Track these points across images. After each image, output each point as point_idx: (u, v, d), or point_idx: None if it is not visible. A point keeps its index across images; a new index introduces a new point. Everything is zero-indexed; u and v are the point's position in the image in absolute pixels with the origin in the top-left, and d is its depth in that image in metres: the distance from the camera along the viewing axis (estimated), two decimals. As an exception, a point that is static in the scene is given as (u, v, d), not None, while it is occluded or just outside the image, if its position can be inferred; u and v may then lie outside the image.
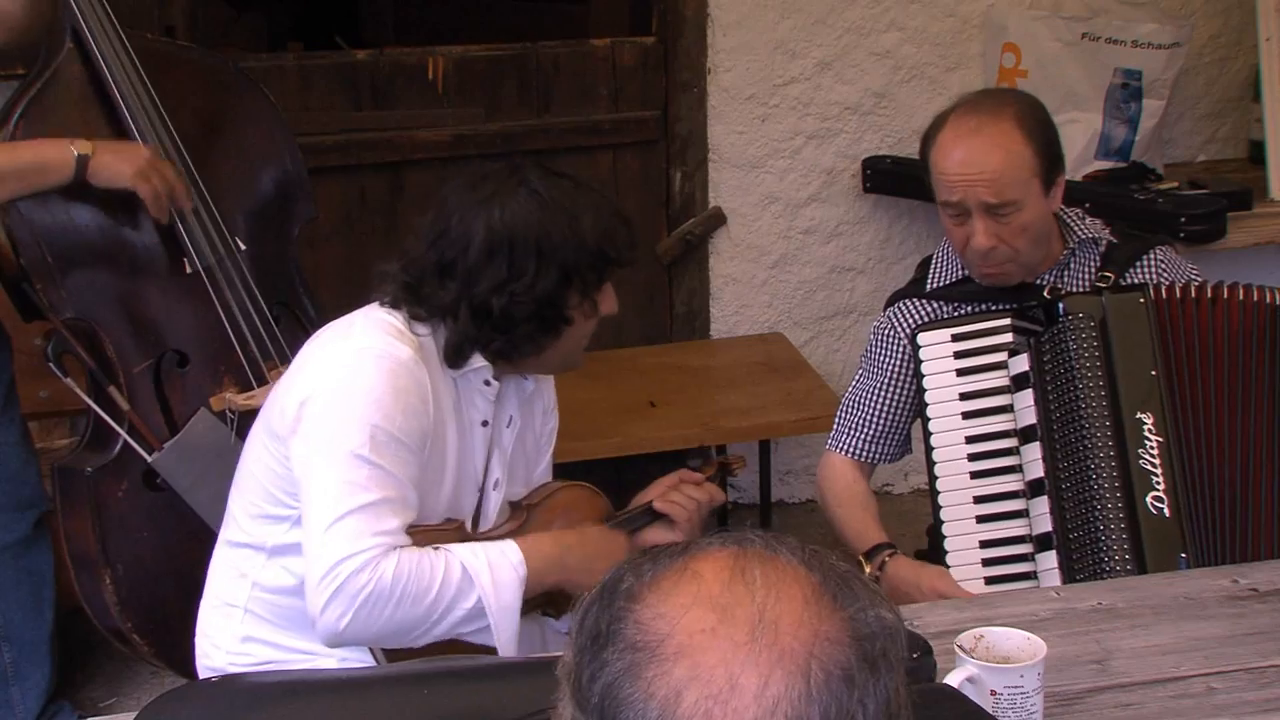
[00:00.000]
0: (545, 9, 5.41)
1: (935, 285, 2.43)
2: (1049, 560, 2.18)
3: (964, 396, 2.29)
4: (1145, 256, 2.39)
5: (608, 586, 0.99)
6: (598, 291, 2.07)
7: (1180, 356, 2.19)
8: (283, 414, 2.02)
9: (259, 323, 2.79)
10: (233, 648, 2.14)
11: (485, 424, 2.12)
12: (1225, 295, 2.22)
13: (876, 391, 2.45)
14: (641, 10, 3.96)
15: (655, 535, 2.25)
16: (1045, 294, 2.31)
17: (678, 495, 2.25)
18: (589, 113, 3.76)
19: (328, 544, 1.90)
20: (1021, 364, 2.24)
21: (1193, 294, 2.22)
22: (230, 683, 1.65)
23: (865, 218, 3.93)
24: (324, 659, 2.05)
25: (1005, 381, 2.26)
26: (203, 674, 2.18)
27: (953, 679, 1.61)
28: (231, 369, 2.79)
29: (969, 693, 1.59)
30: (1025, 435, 2.23)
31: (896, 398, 2.44)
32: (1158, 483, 2.14)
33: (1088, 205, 3.19)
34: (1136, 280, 2.35)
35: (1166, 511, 2.14)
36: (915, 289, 2.47)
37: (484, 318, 2.00)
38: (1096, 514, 2.15)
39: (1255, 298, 2.22)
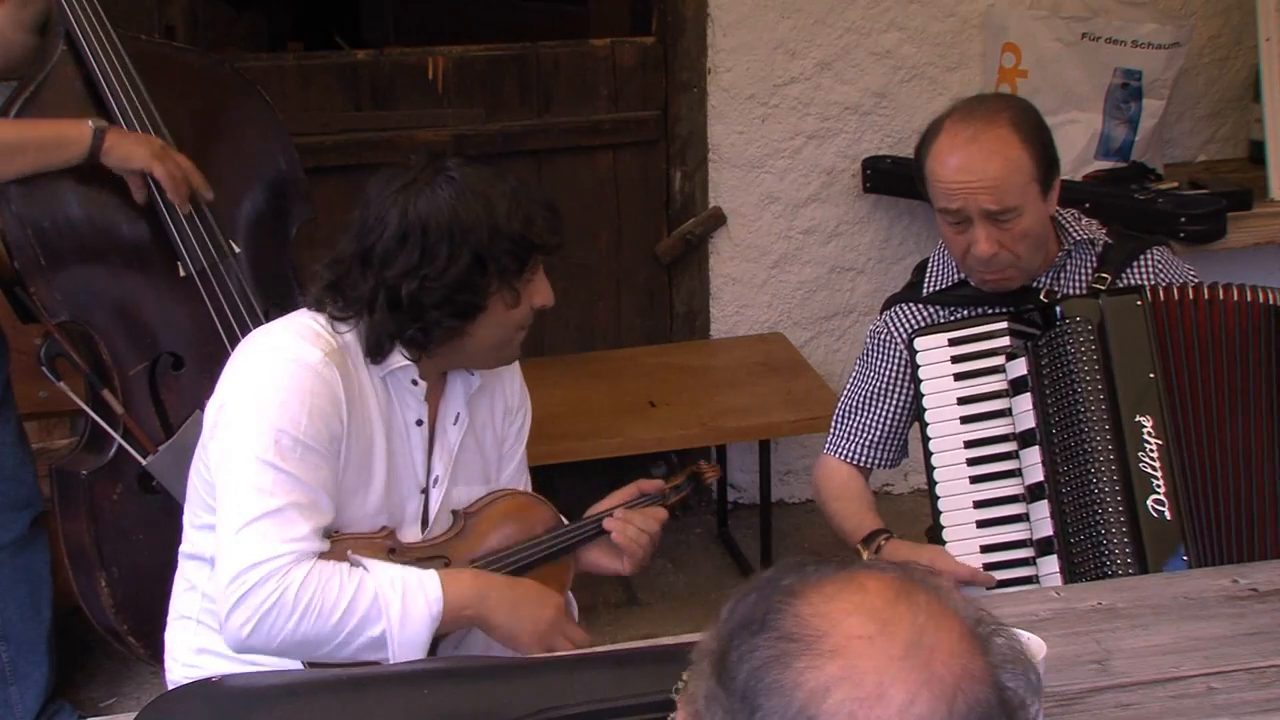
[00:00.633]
0: (545, 9, 5.41)
1: (931, 289, 2.43)
2: (1050, 564, 2.18)
3: (962, 401, 2.29)
4: (1141, 257, 2.39)
5: (767, 581, 1.02)
6: (518, 279, 2.01)
7: (1179, 358, 2.19)
8: (206, 420, 2.03)
9: (253, 325, 2.79)
10: (188, 660, 2.13)
11: (420, 423, 2.09)
12: (1221, 296, 2.21)
13: (873, 397, 2.45)
14: (641, 10, 3.96)
15: (602, 560, 2.23)
16: (1042, 297, 2.30)
17: (632, 529, 2.20)
18: (589, 113, 3.76)
19: (236, 549, 1.88)
20: (1019, 368, 2.24)
21: (1190, 295, 2.22)
22: (230, 683, 1.65)
23: (865, 218, 3.93)
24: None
25: (1003, 385, 2.26)
26: (170, 688, 2.16)
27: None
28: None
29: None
30: (1024, 439, 2.23)
31: (893, 403, 2.44)
32: (1158, 485, 2.14)
33: (1087, 205, 3.18)
34: (1133, 281, 2.35)
35: (1168, 514, 2.14)
36: (911, 293, 2.46)
37: (396, 305, 1.97)
38: (1097, 517, 2.14)
39: (1250, 298, 2.22)
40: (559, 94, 3.73)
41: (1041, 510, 2.19)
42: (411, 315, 1.98)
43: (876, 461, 2.47)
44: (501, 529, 2.14)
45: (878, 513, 2.42)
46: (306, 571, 1.88)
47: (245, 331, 2.76)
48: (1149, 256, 2.39)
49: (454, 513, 2.14)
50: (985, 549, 2.24)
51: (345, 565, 1.92)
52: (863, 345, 2.50)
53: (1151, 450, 2.15)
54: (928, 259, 2.48)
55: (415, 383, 2.06)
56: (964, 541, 2.25)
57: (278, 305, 2.89)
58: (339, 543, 1.97)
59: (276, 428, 1.91)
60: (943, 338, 2.31)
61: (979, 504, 2.25)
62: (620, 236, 3.86)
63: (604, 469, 3.35)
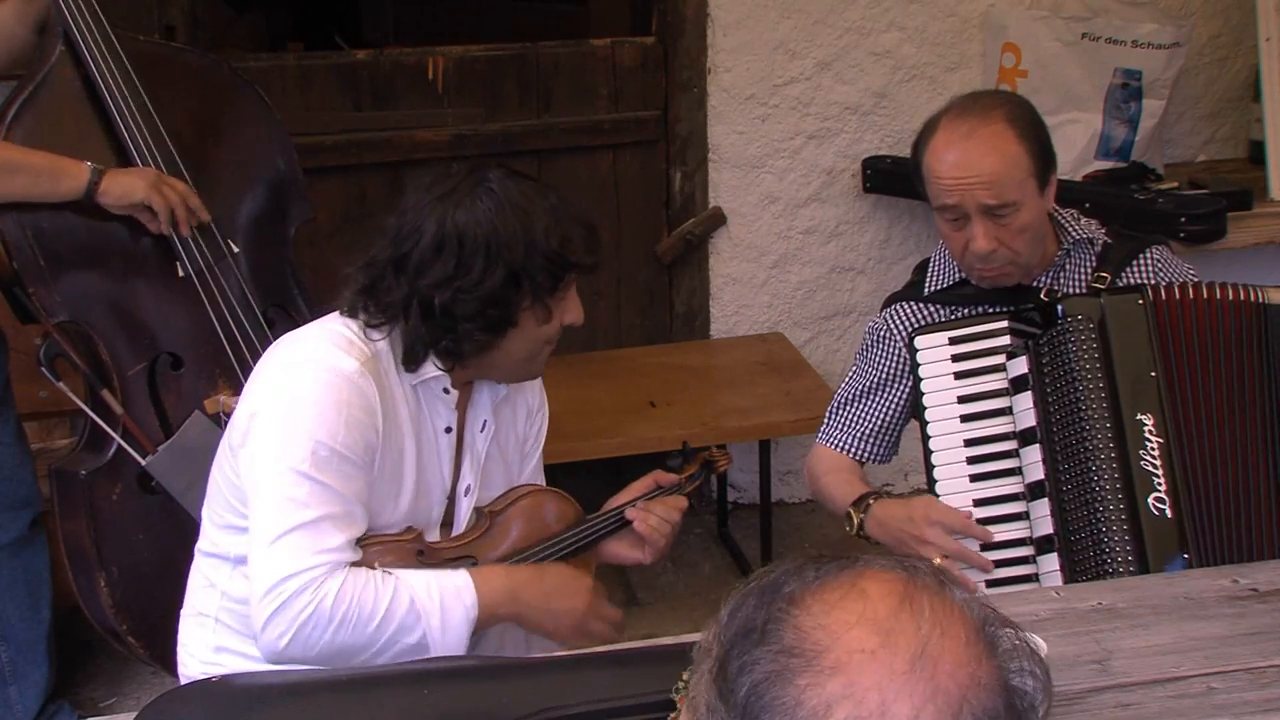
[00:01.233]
0: (545, 9, 5.42)
1: (933, 289, 2.43)
2: (1050, 563, 2.18)
3: (962, 399, 2.29)
4: (1141, 256, 2.39)
5: (766, 584, 1.00)
6: (551, 296, 2.02)
7: (1179, 357, 2.19)
8: (236, 426, 2.02)
9: (251, 326, 2.79)
10: (206, 657, 2.13)
11: (449, 430, 2.09)
12: (1219, 295, 2.22)
13: (869, 392, 2.45)
14: (641, 10, 3.96)
15: (624, 550, 2.23)
16: (1042, 296, 2.30)
17: (654, 518, 2.21)
18: (589, 113, 3.76)
19: (270, 561, 1.88)
20: (1020, 366, 2.24)
21: (1189, 294, 2.22)
22: (230, 683, 1.65)
23: (865, 218, 3.93)
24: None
25: (1003, 384, 2.26)
26: (183, 683, 2.16)
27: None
28: (225, 372, 2.79)
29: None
30: (1025, 438, 2.23)
31: (889, 398, 2.44)
32: (1159, 484, 2.14)
33: (1088, 205, 3.19)
34: (1133, 280, 2.35)
35: (1168, 513, 2.14)
36: (912, 291, 2.46)
37: (430, 314, 1.97)
38: (1098, 516, 2.14)
39: (1243, 296, 2.22)
40: (559, 94, 3.74)
41: (1042, 508, 2.20)
42: (444, 326, 1.98)
43: (868, 454, 2.46)
44: (525, 525, 2.16)
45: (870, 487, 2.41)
46: (341, 581, 1.88)
47: (244, 332, 2.77)
48: (1148, 255, 2.39)
49: (478, 511, 2.15)
50: (985, 547, 2.24)
51: (379, 573, 1.92)
52: (861, 341, 2.50)
53: (1152, 448, 2.15)
54: (929, 258, 2.48)
55: (447, 391, 2.06)
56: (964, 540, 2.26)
57: (276, 305, 2.89)
58: (368, 546, 1.97)
59: (314, 439, 1.90)
60: (943, 336, 2.31)
61: (979, 502, 2.25)
62: (620, 236, 3.86)
63: (604, 469, 3.35)
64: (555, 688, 1.56)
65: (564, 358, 3.77)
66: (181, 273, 2.74)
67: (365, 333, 2.01)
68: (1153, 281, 2.33)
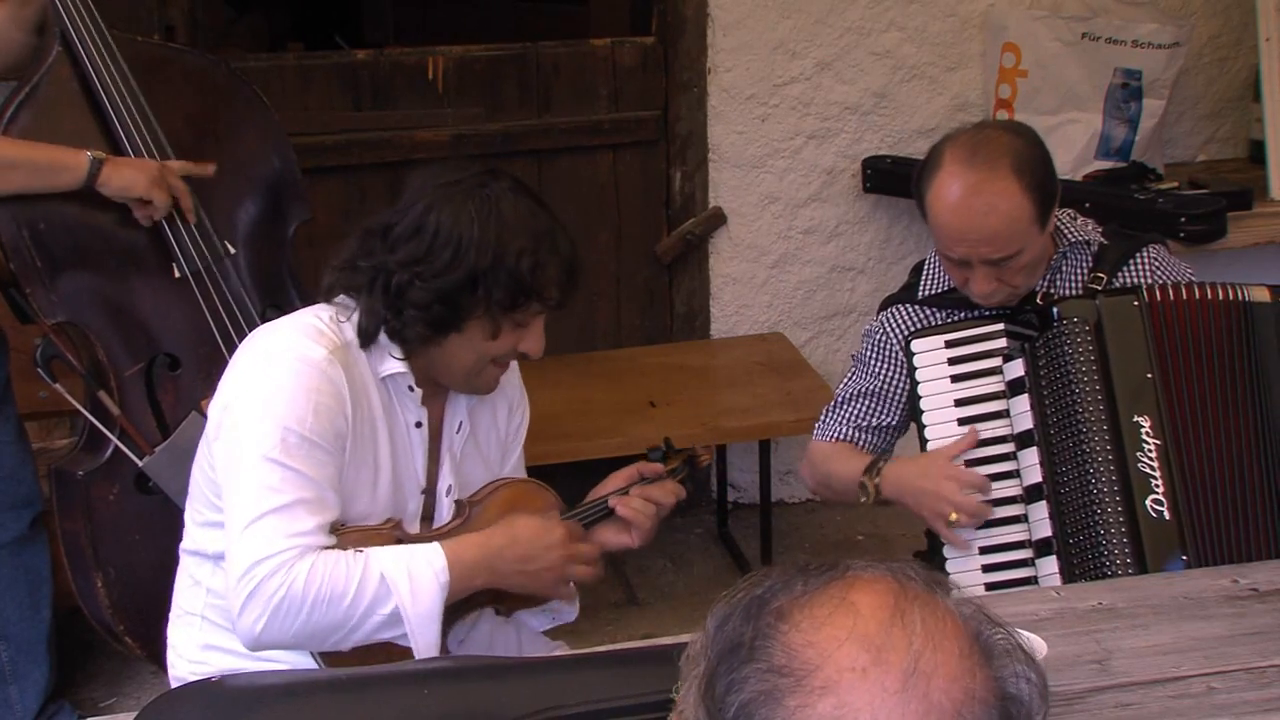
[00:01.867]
0: (545, 9, 5.42)
1: (927, 292, 2.42)
2: (1049, 565, 2.18)
3: (959, 402, 2.29)
4: (1137, 255, 2.38)
5: (754, 597, 0.97)
6: (505, 315, 2.00)
7: (1175, 358, 2.19)
8: (210, 420, 2.03)
9: (248, 327, 2.79)
10: (194, 656, 2.14)
11: (419, 425, 2.09)
12: (1210, 295, 2.21)
13: (866, 395, 2.44)
14: (641, 10, 3.96)
15: (608, 536, 2.22)
16: (1039, 299, 2.30)
17: (636, 500, 2.19)
18: (589, 113, 3.76)
19: (243, 546, 1.89)
20: (1016, 369, 2.24)
21: (1184, 294, 2.22)
22: (230, 682, 1.65)
23: (865, 218, 3.93)
24: (282, 667, 2.03)
25: (1000, 387, 2.26)
26: (174, 685, 2.16)
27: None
28: (223, 372, 2.79)
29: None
30: (1022, 440, 2.23)
31: (887, 400, 2.43)
32: (1157, 485, 2.14)
33: (1088, 205, 3.19)
34: (1129, 280, 2.35)
35: (1166, 514, 2.14)
36: (907, 294, 2.46)
37: (386, 290, 1.98)
38: (1096, 518, 2.14)
39: (1230, 295, 2.22)
40: (559, 94, 3.73)
41: (1040, 511, 2.19)
42: (394, 307, 1.99)
43: (864, 444, 2.44)
44: (504, 516, 2.14)
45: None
46: (312, 563, 1.89)
47: (242, 332, 2.76)
48: (1144, 254, 2.39)
49: (458, 502, 2.15)
50: (984, 550, 2.24)
51: (349, 552, 1.93)
52: (859, 345, 2.50)
53: (1150, 450, 2.15)
54: (924, 261, 2.48)
55: (411, 389, 2.06)
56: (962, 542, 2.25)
57: (275, 306, 2.89)
58: (346, 535, 1.98)
59: (283, 425, 1.91)
60: (939, 340, 2.31)
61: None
62: (620, 236, 3.86)
63: (603, 469, 3.35)
64: (555, 688, 1.56)
65: (564, 358, 3.78)
66: (178, 274, 2.74)
67: (336, 323, 2.02)
68: (1149, 281, 2.33)
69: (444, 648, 1.99)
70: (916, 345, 2.32)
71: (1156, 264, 2.38)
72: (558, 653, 2.23)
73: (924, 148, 2.47)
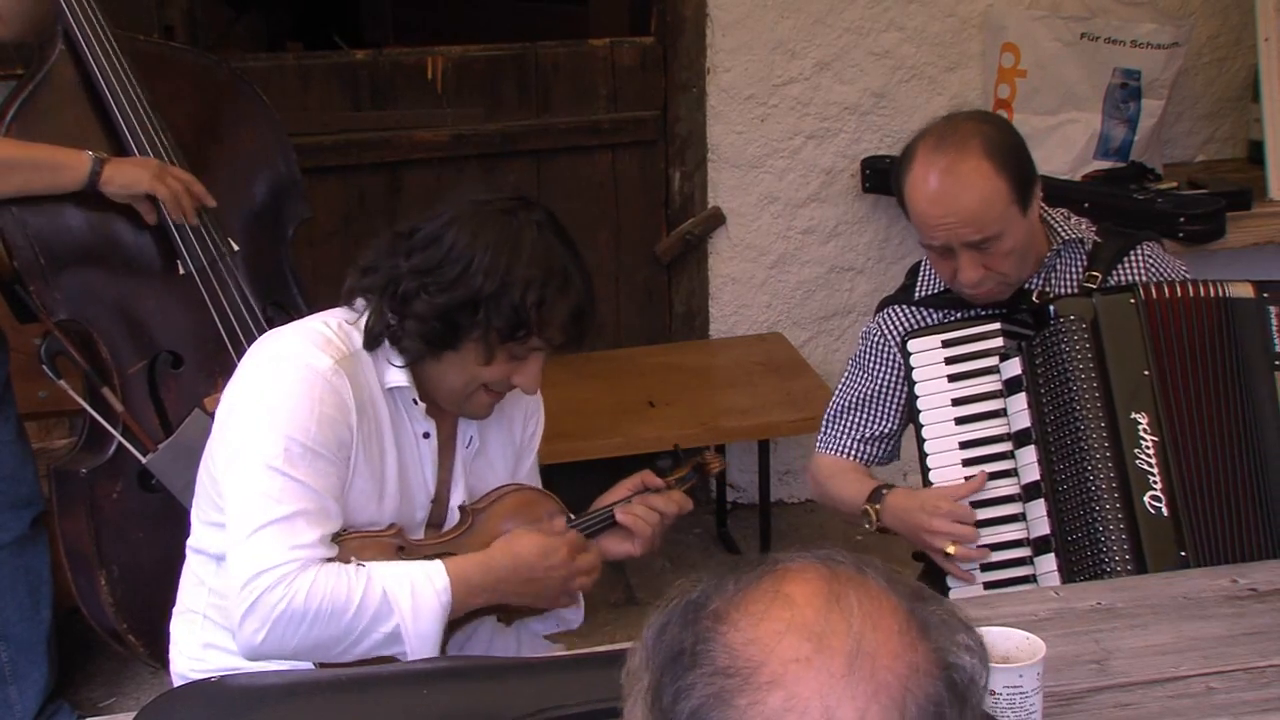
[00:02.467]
0: (545, 9, 5.42)
1: (923, 293, 2.42)
2: (1048, 563, 2.18)
3: (956, 402, 2.29)
4: (1132, 253, 2.38)
5: (688, 602, 0.97)
6: (503, 344, 1.98)
7: (1171, 355, 2.19)
8: (216, 423, 2.03)
9: (251, 324, 2.79)
10: (194, 654, 2.14)
11: (427, 436, 2.09)
12: (1203, 292, 2.22)
13: (866, 398, 2.44)
14: (641, 10, 3.96)
15: (613, 545, 2.22)
16: (1034, 298, 2.30)
17: (639, 508, 2.19)
18: (588, 113, 3.76)
19: (245, 556, 1.89)
20: (1013, 368, 2.24)
21: (1178, 292, 2.22)
22: (230, 682, 1.65)
23: (864, 217, 3.94)
24: (282, 667, 2.03)
25: (997, 386, 2.26)
26: (175, 681, 2.16)
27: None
28: (225, 370, 2.78)
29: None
30: (1019, 439, 2.23)
31: (886, 404, 2.43)
32: (1155, 482, 2.15)
33: (1087, 205, 3.19)
34: (1125, 278, 2.35)
35: (1165, 510, 2.14)
36: (904, 295, 2.46)
37: (394, 294, 1.98)
38: (1094, 515, 2.15)
39: (1212, 292, 2.22)
40: (558, 94, 3.74)
41: (1038, 509, 2.20)
42: (399, 312, 1.98)
43: (869, 457, 2.45)
44: (509, 524, 2.14)
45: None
46: (314, 577, 1.88)
47: (244, 330, 2.77)
48: (1139, 252, 2.39)
49: (461, 509, 2.14)
50: (982, 549, 2.24)
51: (351, 566, 1.93)
52: (856, 346, 2.50)
53: (1148, 447, 2.16)
54: (920, 261, 2.48)
55: (416, 402, 2.06)
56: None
57: (275, 304, 2.90)
58: (348, 541, 1.97)
59: (286, 435, 1.91)
60: (936, 339, 2.32)
61: (975, 504, 2.24)
62: (619, 236, 3.87)
63: (602, 468, 3.35)
64: (555, 688, 1.56)
65: (563, 358, 3.77)
66: (182, 270, 2.74)
67: (345, 330, 2.01)
68: (1144, 279, 2.33)
69: (443, 651, 1.99)
70: (913, 345, 2.32)
71: (1151, 261, 2.38)
72: (557, 653, 2.23)
73: (923, 148, 2.47)
